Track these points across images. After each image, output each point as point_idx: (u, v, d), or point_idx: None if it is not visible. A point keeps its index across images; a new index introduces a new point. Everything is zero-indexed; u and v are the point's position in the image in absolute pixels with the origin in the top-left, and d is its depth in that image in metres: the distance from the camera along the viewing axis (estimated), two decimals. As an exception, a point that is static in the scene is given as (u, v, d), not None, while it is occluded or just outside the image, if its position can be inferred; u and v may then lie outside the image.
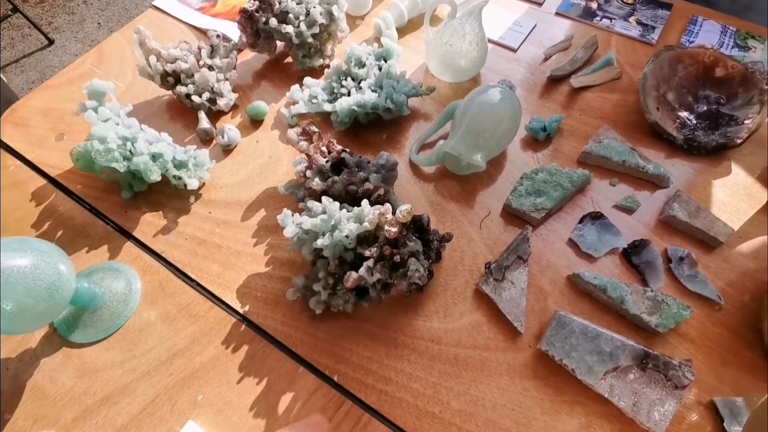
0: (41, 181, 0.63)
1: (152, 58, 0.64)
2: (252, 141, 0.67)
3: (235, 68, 0.70)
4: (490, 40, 0.75)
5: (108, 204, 0.61)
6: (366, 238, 0.49)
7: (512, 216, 0.59)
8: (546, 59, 0.76)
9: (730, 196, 0.61)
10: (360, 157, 0.57)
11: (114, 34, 0.81)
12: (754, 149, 0.65)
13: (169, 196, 0.61)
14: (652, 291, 0.51)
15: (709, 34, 0.78)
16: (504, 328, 0.51)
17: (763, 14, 0.84)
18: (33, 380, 0.48)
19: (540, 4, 0.84)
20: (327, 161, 0.55)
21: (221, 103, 0.68)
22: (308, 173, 0.55)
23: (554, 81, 0.73)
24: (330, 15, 0.70)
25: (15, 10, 1.81)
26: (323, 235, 0.48)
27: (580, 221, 0.58)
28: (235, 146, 0.66)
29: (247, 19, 0.68)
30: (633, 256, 0.55)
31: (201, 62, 0.67)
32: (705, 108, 0.66)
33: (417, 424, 0.46)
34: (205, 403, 0.47)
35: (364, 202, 0.49)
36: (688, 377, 0.45)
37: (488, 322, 0.52)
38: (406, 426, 0.46)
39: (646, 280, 0.54)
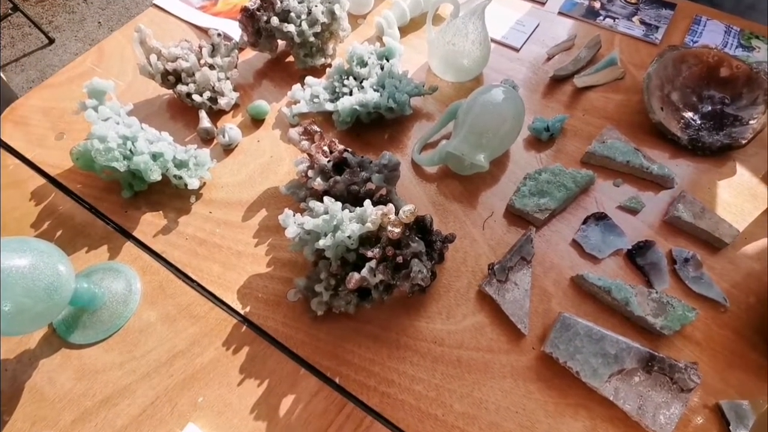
0: (41, 181, 0.62)
1: (153, 57, 0.64)
2: (253, 140, 0.67)
3: (236, 67, 0.70)
4: (492, 40, 0.75)
5: (108, 204, 0.60)
6: (368, 239, 0.48)
7: (515, 217, 0.59)
8: (549, 59, 0.76)
9: (734, 196, 0.60)
10: (362, 156, 0.56)
11: (114, 32, 0.80)
12: (758, 150, 0.64)
13: (170, 195, 0.61)
14: (657, 293, 0.51)
15: (712, 34, 0.78)
16: (507, 330, 0.51)
17: (767, 14, 0.83)
18: (32, 381, 0.48)
19: (543, 4, 0.84)
20: (329, 161, 0.55)
21: (222, 102, 0.67)
22: (310, 173, 0.55)
23: (557, 81, 0.72)
24: (332, 14, 0.69)
25: (15, 8, 1.80)
26: (325, 235, 0.48)
27: (584, 222, 0.58)
28: (236, 146, 0.66)
29: (248, 17, 0.68)
30: (637, 257, 0.55)
31: (202, 61, 0.66)
32: (709, 108, 0.66)
33: (419, 426, 0.46)
34: (206, 405, 0.47)
35: (367, 203, 0.48)
36: (694, 380, 0.45)
37: (491, 324, 0.51)
38: (408, 429, 0.46)
39: (650, 282, 0.53)
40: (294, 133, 0.57)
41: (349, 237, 0.47)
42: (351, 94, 0.66)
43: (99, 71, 0.74)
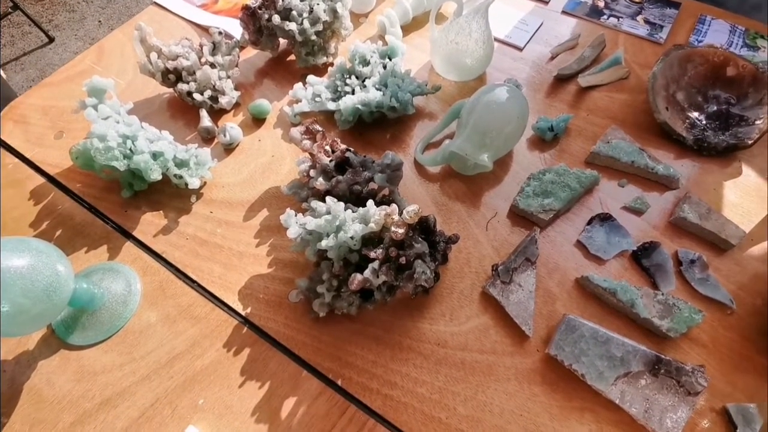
0: (40, 180, 0.62)
1: (153, 56, 0.63)
2: (254, 140, 0.66)
3: (237, 66, 0.69)
4: (495, 39, 0.74)
5: (108, 203, 0.60)
6: (371, 239, 0.48)
7: (519, 217, 0.58)
8: (552, 58, 0.75)
9: (740, 197, 0.60)
10: (364, 156, 0.56)
11: (114, 30, 0.80)
12: (764, 150, 0.63)
13: (170, 195, 0.60)
14: (662, 294, 0.50)
15: (717, 34, 0.77)
16: (511, 332, 0.50)
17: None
18: (30, 383, 0.47)
19: (546, 3, 0.83)
20: (331, 160, 0.54)
21: (223, 101, 0.67)
22: (312, 173, 0.54)
23: (561, 80, 0.72)
24: (334, 12, 0.69)
25: (15, 7, 1.80)
26: (327, 236, 0.47)
27: (589, 223, 0.57)
28: (237, 145, 0.65)
29: (249, 16, 0.67)
30: (643, 258, 0.54)
31: (203, 60, 0.66)
32: (715, 108, 0.65)
33: (423, 429, 0.45)
34: (206, 407, 0.46)
35: (370, 203, 0.48)
36: (701, 383, 0.44)
37: (495, 326, 0.51)
38: (411, 432, 0.45)
39: (656, 284, 0.53)
40: (296, 132, 0.56)
41: (351, 237, 0.46)
42: (353, 93, 0.66)
43: (99, 70, 0.74)
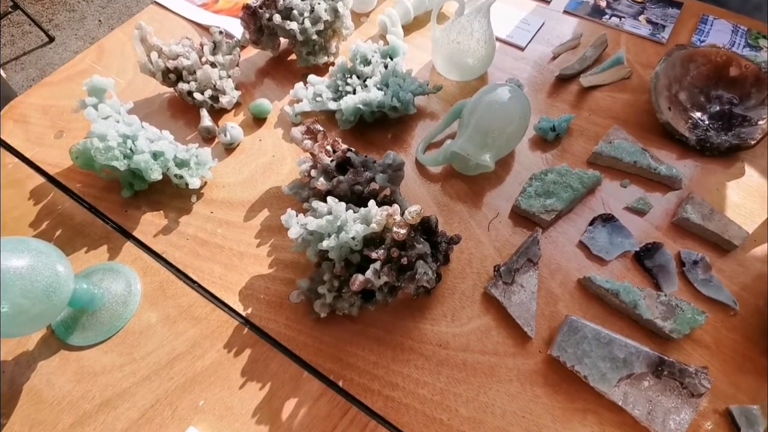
0: (40, 180, 0.61)
1: (153, 55, 0.63)
2: (255, 139, 0.66)
3: (237, 65, 0.69)
4: (497, 39, 0.74)
5: (108, 203, 0.59)
6: (372, 240, 0.48)
7: (521, 218, 0.58)
8: (554, 58, 0.75)
9: (743, 198, 0.59)
10: (365, 156, 0.55)
11: (115, 30, 0.79)
12: (767, 150, 0.63)
13: (170, 195, 0.60)
14: (665, 295, 0.50)
15: (720, 34, 0.77)
16: (513, 333, 0.50)
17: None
18: (30, 384, 0.47)
19: (548, 2, 0.83)
20: (332, 160, 0.54)
21: (224, 100, 0.66)
22: (313, 173, 0.54)
23: (563, 80, 0.71)
24: (335, 12, 0.68)
25: (15, 6, 1.79)
26: (329, 236, 0.47)
27: (591, 223, 0.57)
28: (238, 145, 0.65)
29: (250, 15, 0.67)
30: (645, 259, 0.54)
31: (203, 59, 0.66)
32: (718, 108, 0.65)
33: (424, 431, 0.45)
34: (207, 408, 0.46)
35: (371, 203, 0.48)
36: (704, 385, 0.44)
37: (497, 327, 0.50)
38: (413, 433, 0.45)
39: (659, 285, 0.52)
40: (297, 132, 0.56)
41: (353, 238, 0.46)
42: (354, 92, 0.66)
43: (99, 69, 0.74)
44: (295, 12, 0.66)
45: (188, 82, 0.65)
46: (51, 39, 1.88)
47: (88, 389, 0.47)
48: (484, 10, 0.63)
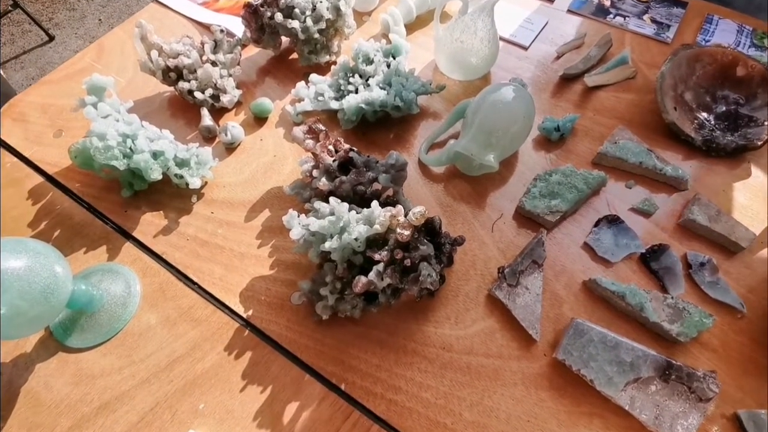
0: (38, 179, 0.61)
1: (154, 53, 0.63)
2: (256, 139, 0.65)
3: (239, 64, 0.68)
4: (500, 38, 0.73)
5: (107, 203, 0.59)
6: (375, 241, 0.47)
7: (525, 219, 0.57)
8: (558, 57, 0.74)
9: (750, 199, 0.59)
10: (368, 156, 0.55)
11: (114, 28, 0.79)
12: (774, 151, 0.63)
13: (171, 195, 0.59)
14: (672, 298, 0.49)
15: (725, 33, 0.76)
16: (518, 336, 0.49)
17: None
18: (27, 386, 0.47)
19: (552, 1, 0.82)
20: (334, 160, 0.53)
21: (224, 99, 0.66)
22: (315, 173, 0.53)
23: (567, 80, 0.71)
24: (337, 10, 0.68)
25: (15, 5, 1.79)
26: (331, 237, 0.46)
27: (596, 224, 0.56)
28: (239, 144, 0.64)
29: (251, 13, 0.66)
30: (651, 261, 0.53)
31: (204, 58, 0.65)
32: (724, 108, 0.65)
33: (428, 435, 0.44)
34: (207, 412, 0.45)
35: (374, 204, 0.47)
36: (713, 389, 0.43)
37: (502, 329, 0.50)
38: (416, 438, 0.44)
39: (665, 287, 0.52)
40: (298, 131, 0.55)
41: (356, 239, 0.45)
42: (356, 92, 0.65)
43: (99, 68, 0.73)
44: (296, 10, 0.66)
45: (189, 81, 0.64)
46: (51, 38, 1.88)
47: (87, 392, 0.46)
48: (488, 8, 0.62)
